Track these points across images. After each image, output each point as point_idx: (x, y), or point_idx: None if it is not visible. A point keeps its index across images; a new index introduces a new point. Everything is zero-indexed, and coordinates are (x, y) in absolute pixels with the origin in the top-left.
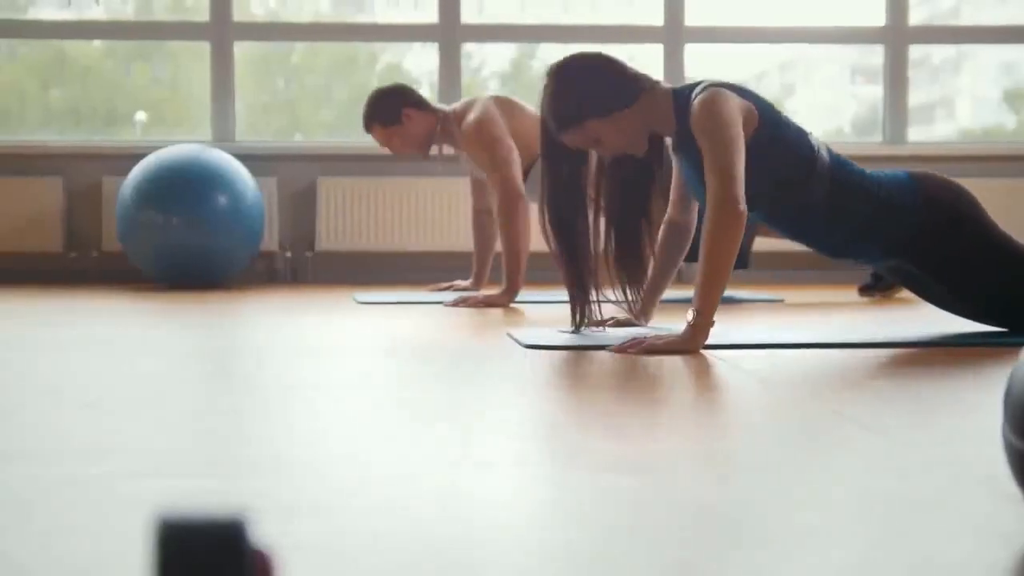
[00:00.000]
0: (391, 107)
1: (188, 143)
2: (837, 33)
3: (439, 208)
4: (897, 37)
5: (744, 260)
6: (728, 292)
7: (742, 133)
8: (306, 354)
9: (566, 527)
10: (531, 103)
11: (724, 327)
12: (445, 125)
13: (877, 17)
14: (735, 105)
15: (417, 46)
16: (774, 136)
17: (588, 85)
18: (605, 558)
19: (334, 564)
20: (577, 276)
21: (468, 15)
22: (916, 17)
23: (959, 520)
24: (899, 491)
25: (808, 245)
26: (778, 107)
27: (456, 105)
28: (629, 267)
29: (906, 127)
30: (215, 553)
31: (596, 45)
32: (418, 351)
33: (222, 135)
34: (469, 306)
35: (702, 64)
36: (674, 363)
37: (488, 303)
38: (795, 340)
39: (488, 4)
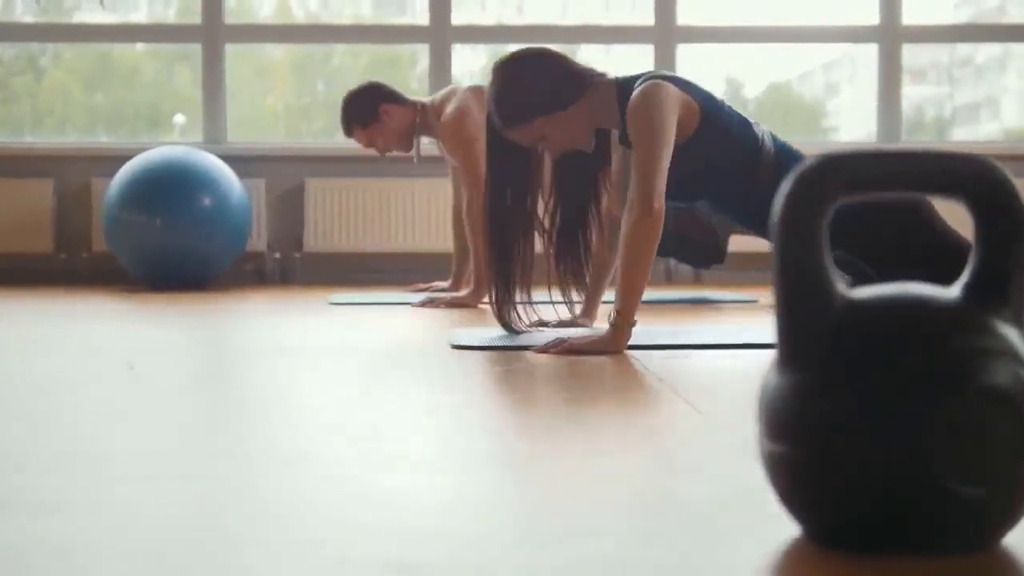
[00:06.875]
0: (367, 106)
1: (175, 144)
2: (829, 32)
3: (427, 209)
4: (890, 36)
5: (721, 255)
6: (703, 293)
7: (673, 131)
8: (244, 357)
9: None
10: None
11: (657, 328)
12: (424, 117)
13: (871, 16)
14: (673, 99)
15: (468, 48)
16: (716, 127)
17: (533, 83)
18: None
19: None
20: (507, 276)
21: (510, 17)
22: (960, 15)
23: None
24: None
25: (756, 233)
26: (720, 98)
27: (435, 96)
28: (574, 265)
29: (900, 127)
30: None
31: (586, 45)
32: (352, 353)
33: (213, 137)
34: (436, 307)
35: (739, 65)
36: (594, 363)
37: (455, 304)
38: (717, 341)
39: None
